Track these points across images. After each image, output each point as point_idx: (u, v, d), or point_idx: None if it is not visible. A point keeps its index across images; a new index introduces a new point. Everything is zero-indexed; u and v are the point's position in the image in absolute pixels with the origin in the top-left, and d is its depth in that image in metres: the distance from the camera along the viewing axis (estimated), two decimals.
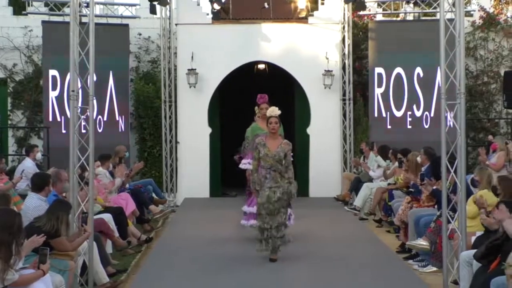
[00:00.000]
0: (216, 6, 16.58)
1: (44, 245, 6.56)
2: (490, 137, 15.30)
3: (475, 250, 7.29)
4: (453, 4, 8.35)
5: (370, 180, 13.97)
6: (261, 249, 9.27)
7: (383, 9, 17.52)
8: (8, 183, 11.06)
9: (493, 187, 8.83)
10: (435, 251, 9.02)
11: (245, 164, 11.36)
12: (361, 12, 17.38)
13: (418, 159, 11.85)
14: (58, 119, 15.97)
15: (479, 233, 7.97)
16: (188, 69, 16.25)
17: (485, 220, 7.61)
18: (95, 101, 8.57)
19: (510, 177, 9.05)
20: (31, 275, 6.12)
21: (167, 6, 16.59)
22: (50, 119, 16.10)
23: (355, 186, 14.41)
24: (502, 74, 17.24)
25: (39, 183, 9.03)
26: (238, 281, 8.59)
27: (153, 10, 16.57)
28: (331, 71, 16.37)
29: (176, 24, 16.74)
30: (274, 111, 9.63)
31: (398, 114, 16.57)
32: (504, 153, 12.68)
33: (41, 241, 6.44)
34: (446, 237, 8.19)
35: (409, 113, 16.52)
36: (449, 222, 8.21)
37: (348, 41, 16.87)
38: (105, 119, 16.31)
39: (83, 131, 8.44)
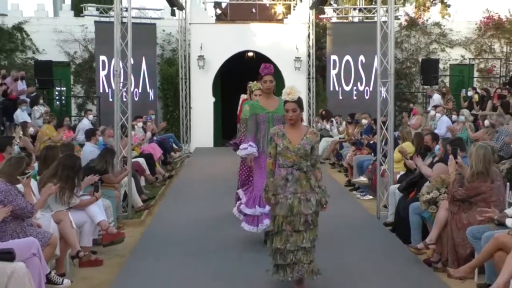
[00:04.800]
0: (218, 11, 17.03)
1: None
2: (411, 105, 15.38)
3: (399, 184, 7.39)
4: (386, 11, 8.33)
5: (328, 135, 14.06)
6: (285, 278, 4.81)
7: (337, 14, 17.58)
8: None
9: (412, 141, 8.90)
10: (371, 185, 9.15)
11: (245, 149, 6.23)
12: (321, 16, 17.33)
13: (364, 121, 11.95)
14: (106, 91, 15.97)
15: (402, 172, 8.04)
16: (198, 56, 16.27)
17: (408, 163, 7.70)
18: (132, 78, 8.52)
19: (422, 133, 9.09)
20: (88, 200, 6.18)
21: (183, 11, 16.67)
22: (101, 91, 16.12)
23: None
24: (420, 61, 17.39)
25: (88, 135, 9.20)
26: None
27: (173, 13, 16.73)
28: (300, 57, 16.37)
29: (189, 23, 16.63)
30: (292, 92, 4.79)
31: (347, 88, 16.63)
32: (421, 117, 12.74)
33: (95, 179, 6.47)
34: (379, 175, 8.28)
35: (355, 88, 16.60)
36: (381, 164, 8.29)
37: (312, 37, 16.88)
38: (139, 91, 16.33)
39: (124, 99, 8.42)
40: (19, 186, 5.20)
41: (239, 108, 12.16)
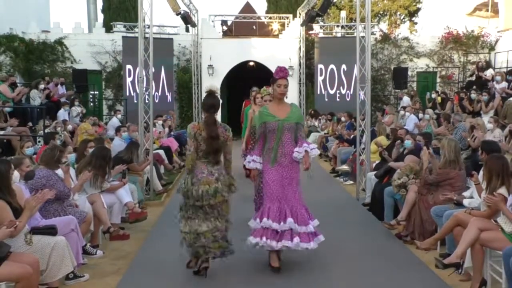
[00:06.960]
0: (225, 28, 16.87)
1: None
2: (385, 106, 15.31)
3: (375, 172, 7.37)
4: (364, 28, 8.27)
5: (316, 131, 13.99)
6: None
7: (323, 30, 17.46)
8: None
9: (387, 135, 8.86)
10: (352, 172, 9.12)
11: (250, 162, 4.77)
12: (310, 32, 17.31)
13: (343, 118, 11.89)
14: (132, 94, 15.86)
15: (377, 162, 8.03)
16: (208, 65, 16.20)
17: (385, 156, 7.68)
18: (153, 84, 8.48)
19: (396, 128, 9.06)
20: (117, 184, 6.14)
21: (195, 27, 16.54)
22: (127, 94, 16.01)
23: (308, 134, 14.44)
24: (392, 69, 17.32)
25: (118, 131, 9.26)
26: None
27: (187, 30, 16.74)
28: (292, 66, 16.30)
29: (201, 38, 16.53)
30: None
31: (332, 92, 16.57)
32: (392, 115, 12.67)
33: (123, 167, 6.44)
34: (358, 163, 8.26)
35: (338, 91, 16.56)
36: (360, 155, 8.27)
37: (303, 49, 16.78)
38: (159, 94, 16.22)
39: (146, 101, 8.37)
40: (59, 173, 5.18)
41: (242, 109, 12.04)
